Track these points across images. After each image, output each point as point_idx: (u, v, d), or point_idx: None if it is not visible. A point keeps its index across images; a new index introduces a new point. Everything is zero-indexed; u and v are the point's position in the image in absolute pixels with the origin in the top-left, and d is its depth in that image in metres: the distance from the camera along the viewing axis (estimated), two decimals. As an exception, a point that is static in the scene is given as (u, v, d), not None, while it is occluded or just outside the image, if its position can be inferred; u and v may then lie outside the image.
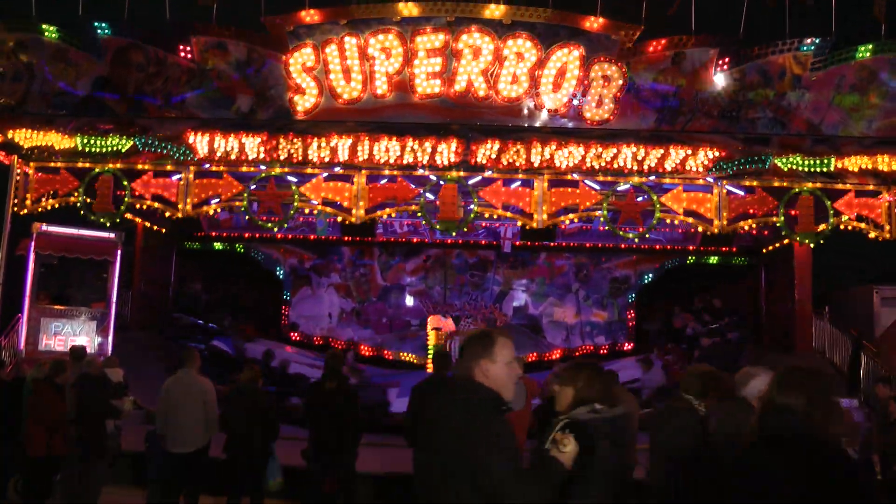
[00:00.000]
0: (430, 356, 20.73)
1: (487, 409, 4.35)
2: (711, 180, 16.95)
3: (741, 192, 17.27)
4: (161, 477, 11.24)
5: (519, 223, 18.54)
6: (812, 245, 18.14)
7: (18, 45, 15.59)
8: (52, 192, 17.56)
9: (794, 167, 16.09)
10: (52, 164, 17.58)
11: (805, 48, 15.01)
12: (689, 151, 16.26)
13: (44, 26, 15.63)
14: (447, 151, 16.35)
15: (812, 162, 16.00)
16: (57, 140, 16.62)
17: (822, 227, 16.67)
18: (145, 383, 16.01)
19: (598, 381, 5.31)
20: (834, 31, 15.26)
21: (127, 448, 12.54)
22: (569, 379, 5.34)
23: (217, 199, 17.63)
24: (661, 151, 16.20)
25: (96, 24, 15.56)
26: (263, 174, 17.13)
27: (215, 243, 24.92)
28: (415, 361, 23.30)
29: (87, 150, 16.62)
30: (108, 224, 17.86)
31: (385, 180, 17.53)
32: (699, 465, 5.92)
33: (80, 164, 17.36)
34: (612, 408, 5.20)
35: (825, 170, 16.12)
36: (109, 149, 16.60)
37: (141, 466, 12.52)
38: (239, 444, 10.85)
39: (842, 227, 16.98)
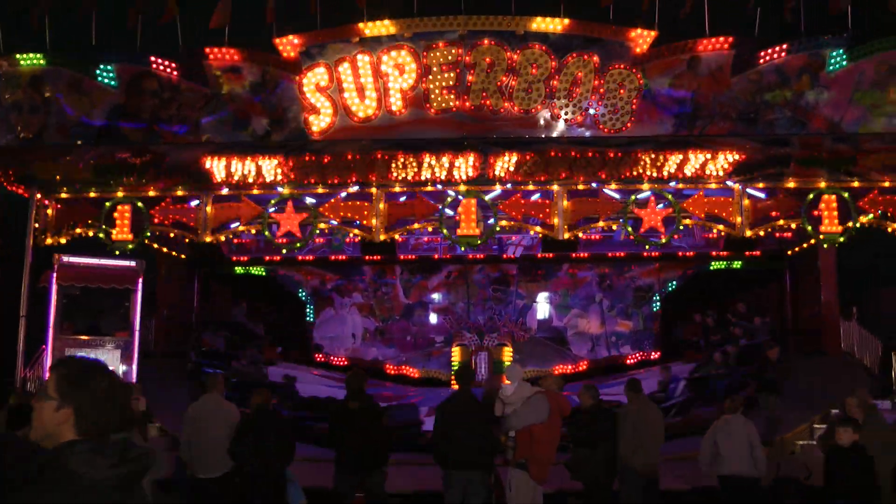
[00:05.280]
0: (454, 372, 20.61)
1: None
2: (732, 184, 16.80)
3: (763, 195, 17.10)
4: (189, 502, 11.16)
5: (541, 234, 18.36)
6: (837, 245, 17.91)
7: (34, 78, 15.66)
8: (71, 223, 17.62)
9: (816, 167, 15.95)
10: (72, 195, 17.63)
11: (822, 46, 14.86)
12: (709, 156, 16.15)
13: (57, 58, 15.69)
14: (465, 166, 16.31)
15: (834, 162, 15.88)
16: (75, 171, 16.69)
17: (846, 226, 16.48)
18: (170, 409, 15.95)
19: None
20: (850, 28, 15.12)
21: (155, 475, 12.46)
22: None
23: (236, 223, 17.62)
24: (681, 157, 16.10)
25: (109, 53, 15.60)
26: (281, 196, 17.10)
27: (237, 268, 24.88)
28: (442, 378, 23.13)
29: (105, 180, 16.67)
30: (128, 252, 17.86)
31: (404, 197, 17.50)
32: None
33: (98, 194, 17.39)
34: None
35: (847, 168, 15.96)
36: (127, 178, 16.66)
37: (169, 492, 12.46)
38: (251, 470, 10.63)
39: (867, 225, 16.77)
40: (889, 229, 16.76)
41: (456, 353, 23.12)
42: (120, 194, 17.12)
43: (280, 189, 17.09)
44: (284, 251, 20.84)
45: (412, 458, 14.10)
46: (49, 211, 17.61)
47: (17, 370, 16.99)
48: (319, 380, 22.55)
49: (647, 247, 20.09)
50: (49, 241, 17.56)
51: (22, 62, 15.71)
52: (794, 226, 17.28)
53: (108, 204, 17.13)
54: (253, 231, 17.94)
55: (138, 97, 15.58)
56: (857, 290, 23.30)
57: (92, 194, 17.49)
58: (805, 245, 21.23)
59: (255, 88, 15.57)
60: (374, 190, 17.10)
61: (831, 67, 14.86)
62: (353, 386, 10.94)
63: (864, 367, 19.80)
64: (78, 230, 17.59)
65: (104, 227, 17.15)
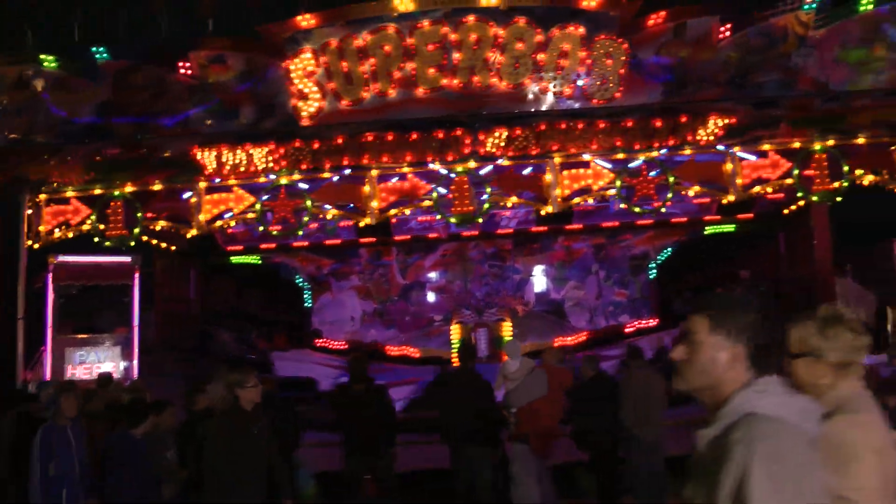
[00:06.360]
0: (455, 350, 20.66)
1: None
2: (723, 148, 16.83)
3: (754, 158, 17.14)
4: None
5: (535, 208, 18.44)
6: (830, 203, 17.97)
7: (19, 78, 15.57)
8: (64, 222, 17.59)
9: (807, 127, 16.01)
10: (63, 195, 17.60)
11: (806, 7, 14.82)
12: (699, 121, 16.15)
13: (42, 56, 15.61)
14: (456, 144, 16.28)
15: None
16: (65, 169, 16.65)
17: (837, 184, 16.54)
18: (172, 402, 15.97)
19: None
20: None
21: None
22: None
23: (230, 213, 17.62)
24: (671, 124, 16.10)
25: (94, 48, 15.52)
26: (274, 184, 17.10)
27: (233, 258, 24.86)
28: (442, 356, 23.17)
29: (96, 176, 16.66)
30: (123, 248, 17.85)
31: (396, 178, 17.48)
32: None
33: (90, 192, 17.38)
34: None
35: (838, 126, 16.03)
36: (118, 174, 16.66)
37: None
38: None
39: (857, 182, 16.85)
40: (888, 185, 16.85)
41: (455, 331, 23.17)
42: (111, 193, 17.13)
43: (272, 176, 17.08)
44: (277, 235, 20.82)
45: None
46: (41, 211, 17.58)
47: (18, 372, 16.97)
48: (320, 362, 22.62)
49: (640, 214, 20.10)
50: (43, 241, 17.54)
51: (5, 63, 15.63)
52: (786, 186, 17.32)
53: (101, 200, 17.13)
54: (250, 215, 17.85)
55: (125, 92, 15.51)
56: (855, 245, 23.23)
57: (83, 193, 17.48)
58: (798, 205, 21.22)
59: (242, 77, 15.50)
60: (373, 172, 17.12)
61: (816, 27, 14.83)
62: (356, 370, 10.98)
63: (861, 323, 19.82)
64: (72, 229, 17.56)
65: (98, 224, 17.14)
